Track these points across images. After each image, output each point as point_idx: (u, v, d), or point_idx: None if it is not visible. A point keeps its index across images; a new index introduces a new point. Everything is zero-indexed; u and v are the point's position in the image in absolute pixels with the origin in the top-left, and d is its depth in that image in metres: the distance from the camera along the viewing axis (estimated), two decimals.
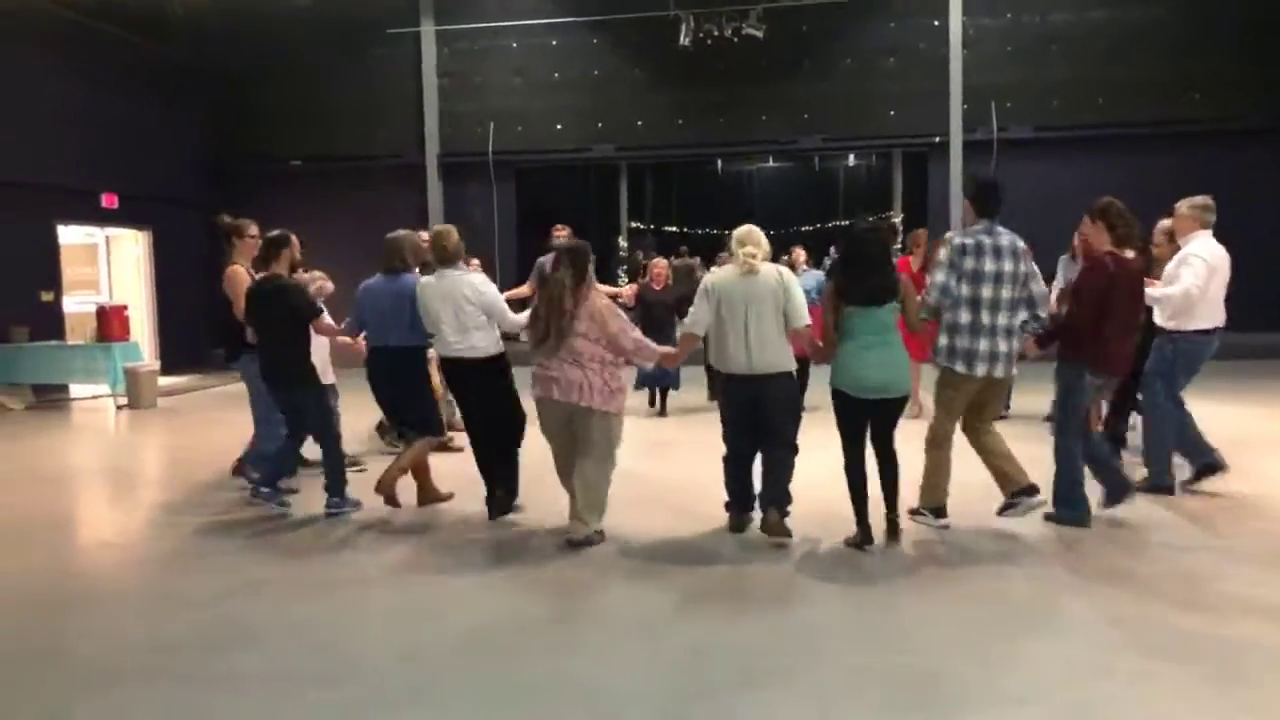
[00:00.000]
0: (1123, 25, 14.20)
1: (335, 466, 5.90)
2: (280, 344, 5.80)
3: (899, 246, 11.26)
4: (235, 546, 5.32)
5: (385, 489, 5.78)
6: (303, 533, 5.57)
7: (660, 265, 9.65)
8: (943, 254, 5.10)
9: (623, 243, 23.65)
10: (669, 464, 7.16)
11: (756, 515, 5.26)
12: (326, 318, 6.04)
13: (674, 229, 28.61)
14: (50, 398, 11.65)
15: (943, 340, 5.13)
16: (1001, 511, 5.17)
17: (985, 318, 5.00)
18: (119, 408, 10.82)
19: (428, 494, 6.04)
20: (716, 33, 13.80)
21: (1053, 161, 14.18)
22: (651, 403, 9.44)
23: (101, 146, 13.13)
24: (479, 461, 5.78)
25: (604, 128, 15.57)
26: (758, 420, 5.07)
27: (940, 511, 5.23)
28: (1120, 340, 5.17)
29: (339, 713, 3.30)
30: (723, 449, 5.31)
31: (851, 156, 29.47)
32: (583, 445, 5.14)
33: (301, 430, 5.99)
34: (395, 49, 15.55)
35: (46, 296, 12.14)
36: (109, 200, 13.29)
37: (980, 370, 5.04)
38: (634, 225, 26.31)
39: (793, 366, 5.11)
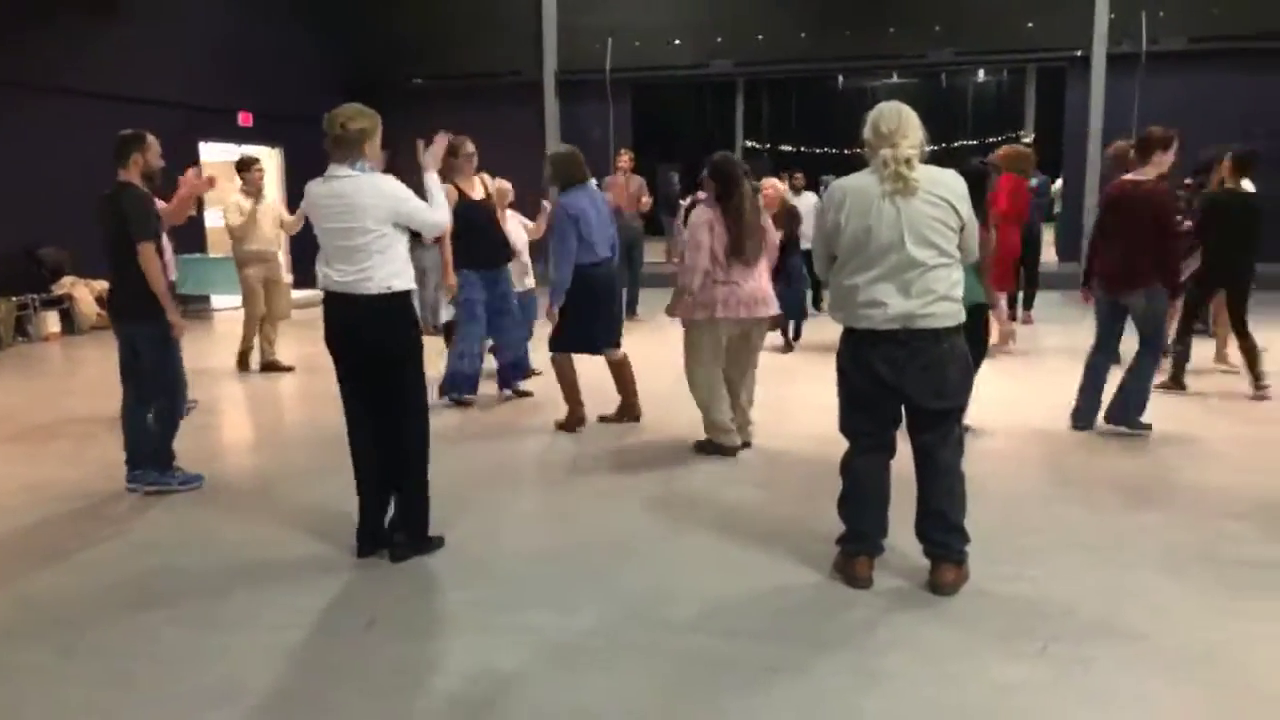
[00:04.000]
0: None
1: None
2: (112, 265, 4.85)
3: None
4: None
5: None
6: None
7: (770, 186, 9.31)
8: None
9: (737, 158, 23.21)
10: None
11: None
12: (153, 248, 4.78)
13: (790, 148, 27.96)
14: (194, 308, 12.35)
15: None
16: None
17: None
18: None
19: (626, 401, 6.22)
20: None
21: (1209, 78, 13.15)
22: (785, 335, 9.17)
23: (237, 67, 13.61)
24: (373, 483, 4.05)
25: (723, 43, 15.21)
26: (913, 397, 3.47)
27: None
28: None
29: (474, 610, 3.51)
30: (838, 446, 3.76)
31: (981, 72, 28.09)
32: (752, 355, 5.46)
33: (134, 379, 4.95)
34: None
35: (191, 211, 12.75)
36: (245, 119, 13.82)
37: None
38: (750, 144, 25.82)
39: (963, 318, 3.47)
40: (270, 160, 14.95)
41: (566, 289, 5.74)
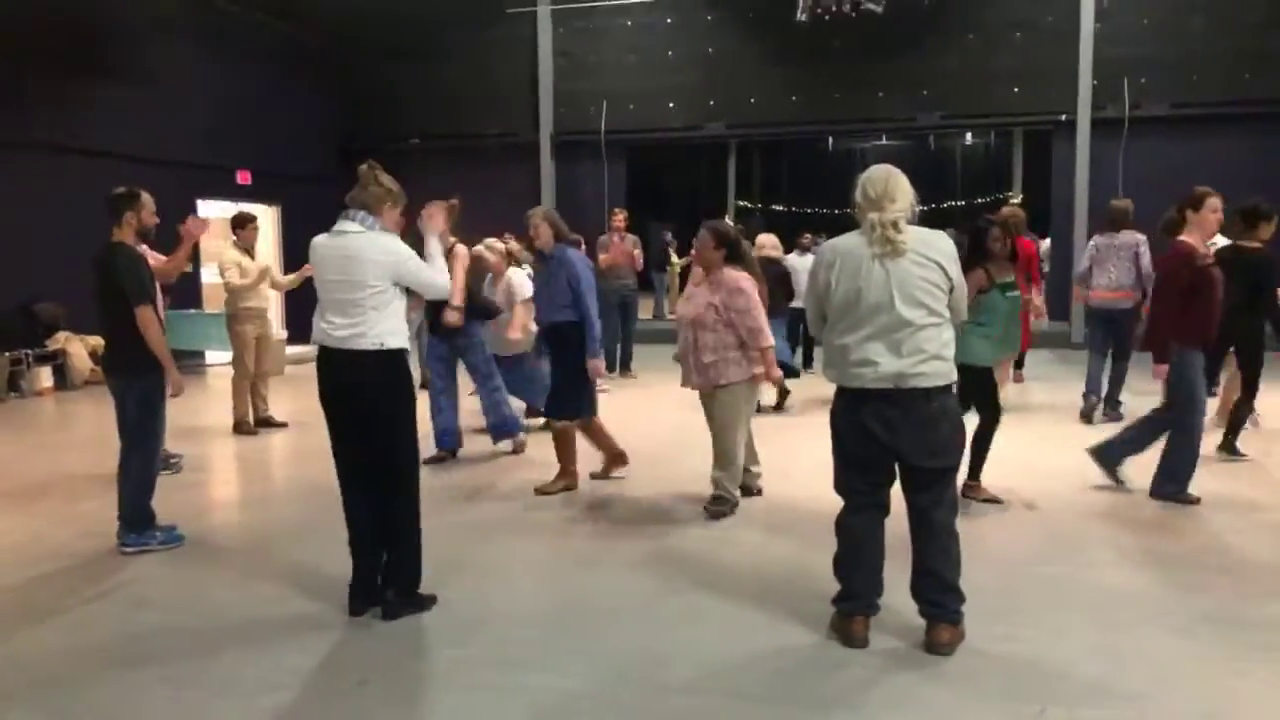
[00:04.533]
0: None
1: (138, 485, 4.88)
2: (105, 322, 4.92)
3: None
4: None
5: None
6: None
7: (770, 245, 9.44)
8: None
9: (730, 221, 23.53)
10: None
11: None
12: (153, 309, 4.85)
13: (781, 208, 28.34)
14: (187, 363, 12.36)
15: None
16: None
17: None
18: None
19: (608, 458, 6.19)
20: (835, 8, 13.54)
21: (1189, 142, 13.44)
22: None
23: (236, 125, 13.79)
24: (366, 541, 4.01)
25: (716, 105, 15.50)
26: (906, 457, 3.47)
27: None
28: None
29: (465, 669, 3.48)
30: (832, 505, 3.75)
31: (969, 135, 28.62)
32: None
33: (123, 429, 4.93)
34: (513, 28, 15.78)
35: (186, 268, 12.85)
36: (243, 177, 13.98)
37: None
38: (742, 204, 26.16)
39: (954, 377, 3.54)
40: (266, 218, 15.10)
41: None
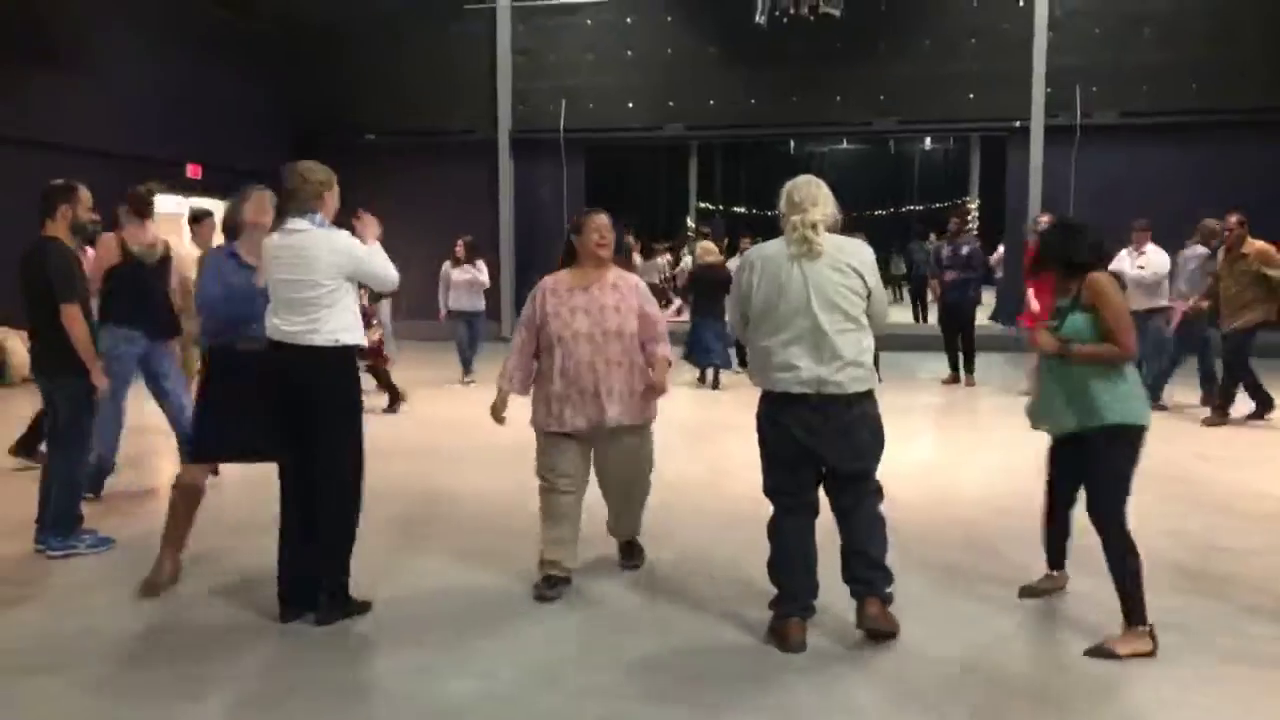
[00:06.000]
0: (1220, 6, 13.59)
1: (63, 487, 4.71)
2: (33, 320, 4.74)
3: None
4: None
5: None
6: None
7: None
8: None
9: (690, 223, 23.59)
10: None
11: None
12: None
13: (742, 209, 28.46)
14: None
15: None
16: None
17: None
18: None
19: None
20: (793, 11, 13.57)
21: (1138, 150, 13.68)
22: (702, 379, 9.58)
23: (187, 118, 13.52)
24: (296, 543, 3.89)
25: (675, 106, 15.50)
26: (827, 460, 3.56)
27: None
28: None
29: (395, 677, 3.40)
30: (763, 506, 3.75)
31: (928, 141, 28.96)
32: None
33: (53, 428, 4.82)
34: (471, 24, 15.67)
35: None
36: (193, 171, 13.71)
37: None
38: (703, 205, 26.23)
39: (876, 383, 3.62)
40: (218, 212, 14.84)
41: None
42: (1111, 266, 8.77)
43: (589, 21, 15.52)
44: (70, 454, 4.77)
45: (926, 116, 15.37)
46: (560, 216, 15.23)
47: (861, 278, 3.50)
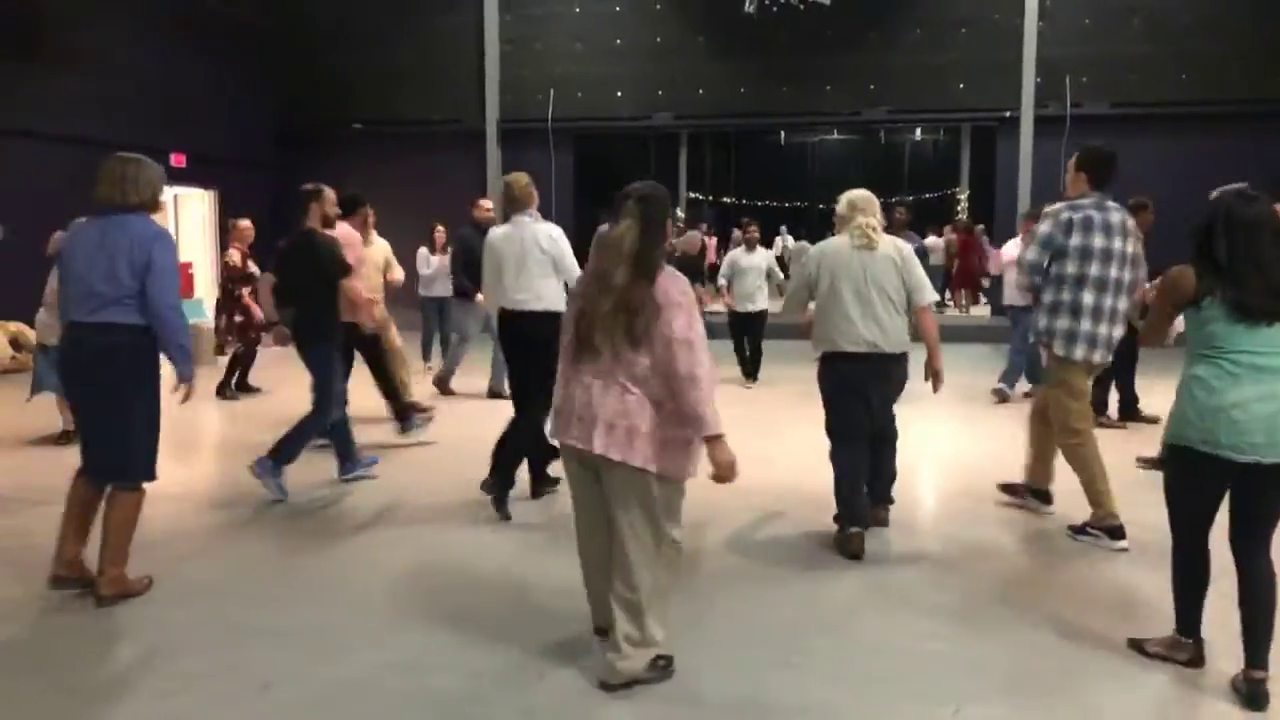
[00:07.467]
0: None
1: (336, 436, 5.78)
2: (305, 301, 5.57)
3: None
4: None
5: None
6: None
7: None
8: (1043, 228, 4.63)
9: (680, 214, 23.50)
10: None
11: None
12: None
13: (731, 200, 28.38)
14: None
15: (1043, 321, 4.67)
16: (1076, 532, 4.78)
17: (1089, 298, 4.55)
18: None
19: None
20: (783, 0, 13.52)
21: (1128, 140, 13.65)
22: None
23: (172, 107, 13.40)
24: (518, 437, 5.23)
25: (664, 96, 15.42)
26: (871, 399, 4.56)
27: (1116, 532, 4.57)
28: None
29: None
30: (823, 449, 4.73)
31: (918, 131, 28.91)
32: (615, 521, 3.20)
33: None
34: (459, 14, 15.54)
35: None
36: (178, 159, 13.56)
37: (1078, 354, 4.60)
38: (693, 195, 26.14)
39: (909, 347, 4.57)
40: (203, 203, 14.72)
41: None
42: (1004, 256, 8.74)
43: (577, 10, 15.42)
44: (320, 405, 5.51)
45: (916, 106, 15.31)
46: (549, 207, 15.14)
47: (904, 271, 4.50)
